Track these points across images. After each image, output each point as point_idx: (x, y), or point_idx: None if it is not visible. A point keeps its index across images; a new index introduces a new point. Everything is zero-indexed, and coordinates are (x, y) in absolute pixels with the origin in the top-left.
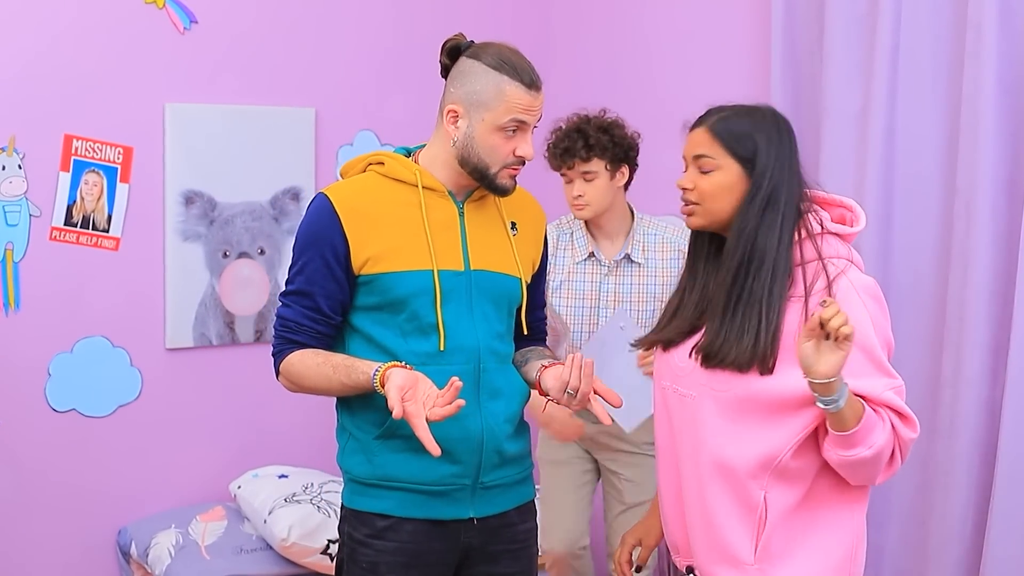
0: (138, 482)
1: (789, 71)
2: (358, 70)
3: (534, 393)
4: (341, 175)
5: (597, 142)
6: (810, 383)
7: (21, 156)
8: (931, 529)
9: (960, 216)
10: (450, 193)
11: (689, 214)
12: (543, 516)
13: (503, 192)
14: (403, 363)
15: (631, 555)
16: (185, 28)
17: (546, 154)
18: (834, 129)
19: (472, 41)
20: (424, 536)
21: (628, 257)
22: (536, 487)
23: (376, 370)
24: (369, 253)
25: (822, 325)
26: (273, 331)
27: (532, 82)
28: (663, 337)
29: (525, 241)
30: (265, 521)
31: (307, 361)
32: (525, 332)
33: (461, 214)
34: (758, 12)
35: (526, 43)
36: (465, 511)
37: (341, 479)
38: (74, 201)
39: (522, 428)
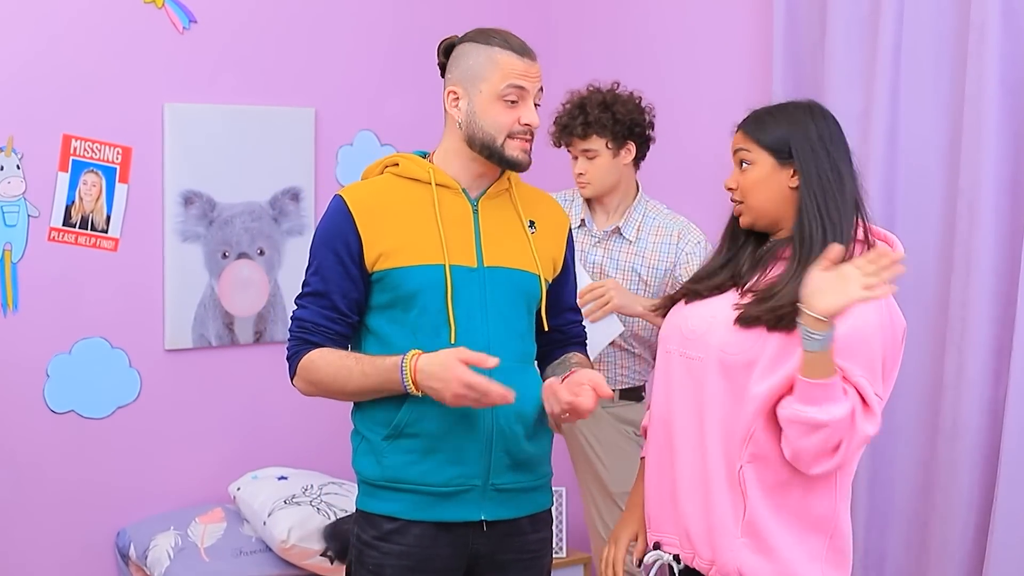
0: (137, 484)
1: (791, 71)
2: (358, 70)
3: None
4: (362, 179)
5: (596, 119)
6: (802, 313)
7: (19, 156)
8: (933, 530)
9: (963, 216)
10: (464, 191)
11: (738, 213)
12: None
13: (516, 165)
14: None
15: (626, 552)
16: (184, 28)
17: (551, 129)
18: None
19: (454, 36)
20: (431, 540)
21: (619, 231)
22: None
23: (403, 359)
24: (381, 249)
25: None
26: (288, 334)
27: (523, 50)
28: (687, 290)
29: (545, 240)
30: (264, 523)
31: (328, 357)
32: (546, 329)
33: (475, 211)
34: (760, 12)
35: (527, 41)
36: (475, 513)
37: (341, 481)
38: (73, 201)
39: (539, 432)
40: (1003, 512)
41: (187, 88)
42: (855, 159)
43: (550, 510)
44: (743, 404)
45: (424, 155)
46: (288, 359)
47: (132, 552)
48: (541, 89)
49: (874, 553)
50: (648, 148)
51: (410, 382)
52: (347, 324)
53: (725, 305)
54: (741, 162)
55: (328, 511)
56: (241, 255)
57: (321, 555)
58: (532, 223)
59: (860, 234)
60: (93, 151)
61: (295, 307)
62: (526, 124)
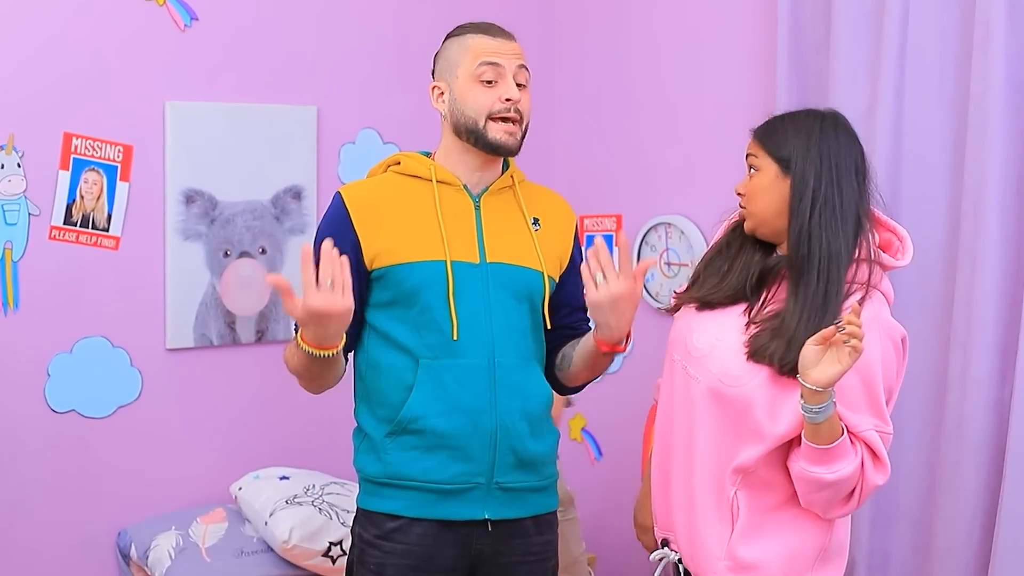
0: (138, 484)
1: (795, 69)
2: (361, 68)
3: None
4: (367, 177)
5: None
6: (801, 384)
7: (20, 154)
8: (938, 531)
9: (968, 215)
10: (466, 187)
11: (742, 219)
12: None
13: (499, 148)
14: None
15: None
16: (186, 25)
17: None
18: None
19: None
20: (433, 540)
21: None
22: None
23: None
24: (380, 247)
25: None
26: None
27: (497, 32)
28: (701, 296)
29: (549, 236)
30: (266, 523)
31: (292, 347)
32: (548, 327)
33: (477, 207)
34: (764, 9)
35: (530, 42)
36: (479, 511)
37: (344, 481)
38: (73, 200)
39: (544, 430)
40: (1008, 513)
41: (188, 86)
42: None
43: (555, 512)
44: (738, 436)
45: (428, 155)
46: None
47: (133, 552)
48: (524, 68)
49: (878, 554)
50: None
51: (305, 346)
52: None
53: (731, 328)
54: (751, 167)
55: (330, 511)
56: (243, 254)
57: (323, 555)
58: (536, 220)
59: (863, 253)
60: (94, 149)
61: None
62: (507, 100)
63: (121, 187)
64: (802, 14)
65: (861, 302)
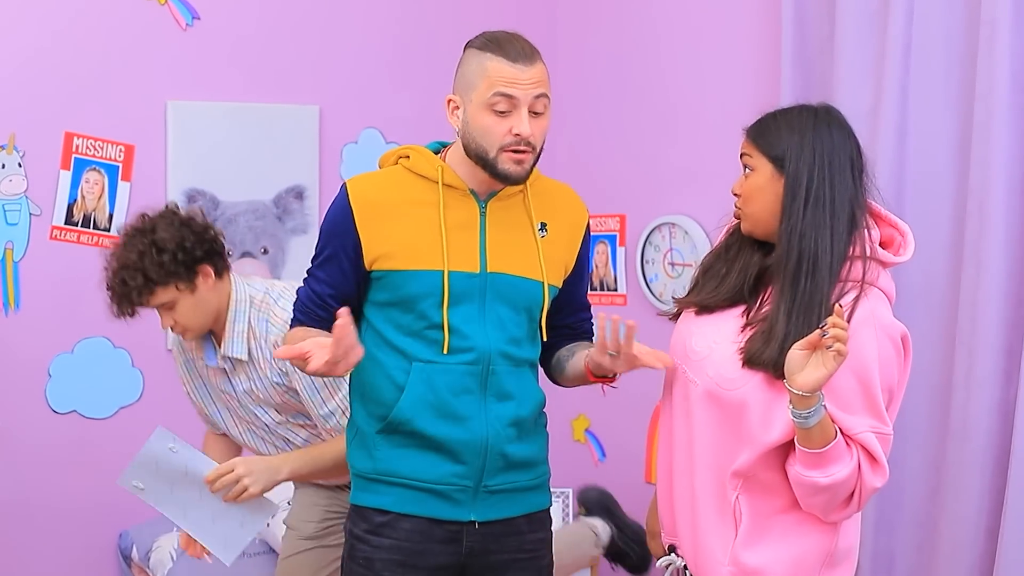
0: None
1: (799, 68)
2: (363, 67)
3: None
4: (379, 166)
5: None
6: (788, 390)
7: (21, 154)
8: (943, 533)
9: (973, 216)
10: (472, 192)
11: (737, 219)
12: None
13: (507, 179)
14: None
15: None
16: (187, 24)
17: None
18: None
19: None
20: (420, 536)
21: (231, 356)
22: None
23: None
24: (381, 250)
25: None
26: None
27: (517, 56)
28: (700, 300)
29: (556, 243)
30: (268, 524)
31: (294, 336)
32: (544, 339)
33: (483, 214)
34: (768, 8)
35: (531, 41)
36: (466, 514)
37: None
38: (75, 200)
39: (534, 433)
40: (1013, 514)
41: (190, 85)
42: (870, 170)
43: (548, 510)
44: (736, 440)
45: (439, 148)
46: None
47: (135, 554)
48: (543, 97)
49: (883, 555)
50: (219, 248)
51: None
52: (331, 312)
53: (729, 331)
54: (745, 167)
55: None
56: (245, 254)
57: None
58: (543, 225)
59: (858, 250)
60: (95, 149)
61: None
62: (516, 135)
63: (123, 187)
64: (806, 13)
65: (856, 301)
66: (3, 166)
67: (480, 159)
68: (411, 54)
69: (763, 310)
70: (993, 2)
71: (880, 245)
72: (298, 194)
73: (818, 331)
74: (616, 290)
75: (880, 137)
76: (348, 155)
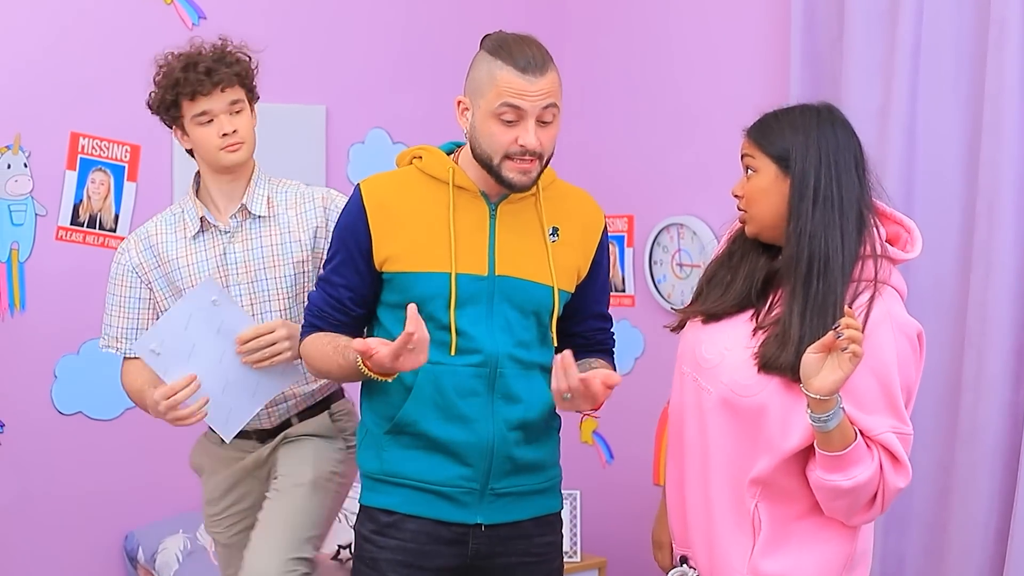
0: (145, 486)
1: (808, 68)
2: (369, 67)
3: None
4: (396, 165)
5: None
6: (805, 394)
7: (27, 154)
8: (952, 535)
9: (982, 216)
10: (483, 194)
11: (742, 222)
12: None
13: (512, 187)
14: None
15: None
16: (194, 24)
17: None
18: (854, 126)
19: (499, 31)
20: (426, 537)
21: (246, 210)
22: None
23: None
24: (391, 251)
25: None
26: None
27: (527, 66)
28: (706, 309)
29: (568, 248)
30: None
31: (317, 342)
32: (555, 343)
33: (493, 216)
34: (777, 8)
35: (541, 41)
36: (472, 516)
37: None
38: (80, 200)
39: (544, 436)
40: (1023, 516)
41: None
42: (872, 168)
43: (558, 514)
44: (753, 447)
45: (454, 149)
46: (300, 338)
47: (140, 555)
48: (552, 106)
49: (892, 557)
50: None
51: (368, 372)
52: (350, 316)
53: (740, 337)
54: (747, 168)
55: (340, 515)
56: None
57: (332, 559)
58: (555, 230)
59: (868, 249)
60: (101, 149)
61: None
62: (522, 146)
63: (128, 187)
64: (816, 13)
65: (871, 300)
66: (9, 166)
67: (485, 165)
68: (418, 54)
69: (773, 313)
70: (1003, 2)
71: (887, 242)
72: None
73: (832, 333)
74: (624, 291)
75: (889, 137)
76: (355, 155)
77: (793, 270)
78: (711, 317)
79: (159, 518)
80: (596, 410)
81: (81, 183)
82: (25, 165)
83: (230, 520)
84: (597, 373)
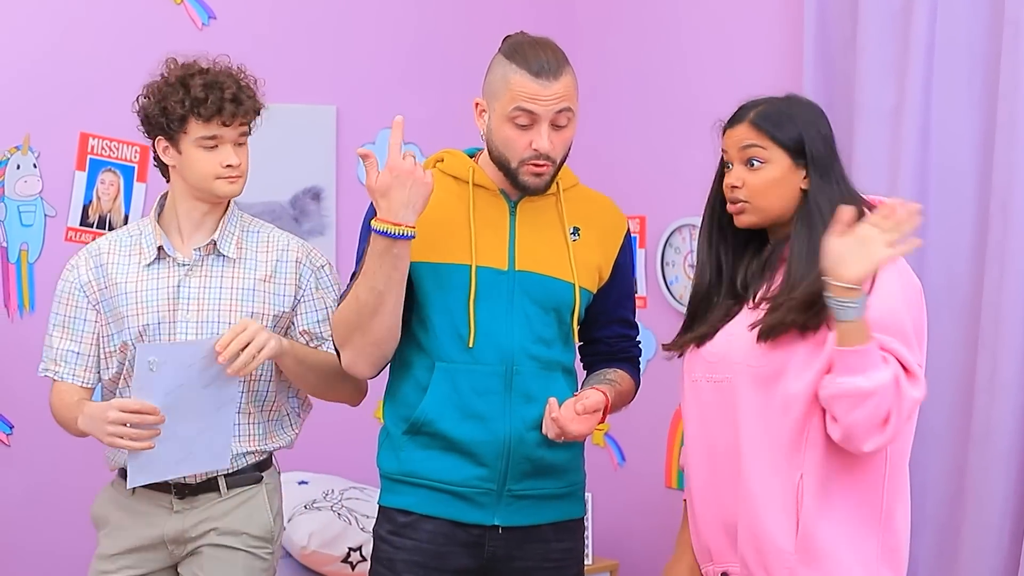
0: None
1: (822, 67)
2: (380, 67)
3: None
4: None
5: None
6: (830, 285)
7: (36, 155)
8: (965, 538)
9: (996, 216)
10: (503, 192)
11: (739, 212)
12: None
13: (527, 190)
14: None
15: None
16: (203, 24)
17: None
18: (867, 126)
19: (520, 32)
20: (443, 538)
21: (214, 246)
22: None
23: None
24: (413, 244)
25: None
26: None
27: (540, 70)
28: (698, 334)
29: (589, 247)
30: (284, 528)
31: (339, 312)
32: (577, 341)
33: (512, 213)
34: (790, 7)
35: (551, 39)
36: (489, 517)
37: (363, 486)
38: (90, 201)
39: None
40: None
41: None
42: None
43: (580, 520)
44: (784, 413)
45: (477, 152)
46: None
47: None
48: (566, 111)
49: None
50: None
51: (381, 225)
52: None
53: (742, 324)
54: (750, 159)
55: (349, 517)
56: None
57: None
58: (576, 230)
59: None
60: (111, 150)
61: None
62: (535, 150)
63: (138, 188)
64: (828, 13)
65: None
66: (18, 167)
67: (503, 168)
68: (429, 54)
69: (773, 287)
70: (1017, 1)
71: None
72: (315, 195)
73: (850, 208)
74: (636, 292)
75: (903, 137)
76: None
77: (796, 227)
78: (704, 338)
79: None
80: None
81: (91, 184)
82: (34, 166)
83: None
84: (567, 407)
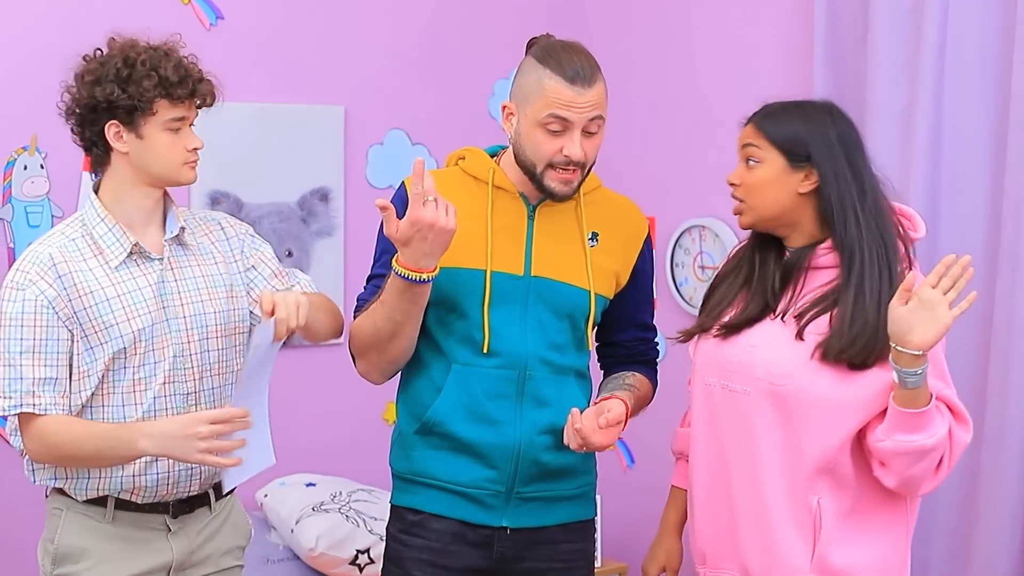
0: None
1: (832, 67)
2: (389, 67)
3: None
4: (444, 165)
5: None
6: (897, 352)
7: (43, 156)
8: (977, 542)
9: (1008, 218)
10: (523, 196)
11: (738, 212)
12: None
13: (553, 196)
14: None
15: None
16: (211, 24)
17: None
18: (878, 127)
19: (547, 35)
20: (451, 538)
21: (182, 235)
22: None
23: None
24: None
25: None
26: None
27: (576, 76)
28: (723, 325)
29: (607, 254)
30: (292, 531)
31: (360, 322)
32: (590, 346)
33: (531, 218)
34: (801, 7)
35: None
36: (497, 519)
37: (371, 488)
38: None
39: None
40: None
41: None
42: (875, 166)
43: (590, 521)
44: (807, 435)
45: (499, 151)
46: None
47: None
48: (598, 118)
49: (917, 565)
50: None
51: (401, 269)
52: None
53: (766, 334)
54: (748, 159)
55: (357, 519)
56: None
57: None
58: (595, 235)
59: (899, 232)
60: None
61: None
62: (566, 156)
63: None
64: (839, 13)
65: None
66: (25, 168)
67: (529, 172)
68: (437, 54)
69: (804, 299)
70: None
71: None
72: (323, 196)
73: (913, 275)
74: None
75: (915, 138)
76: (373, 156)
77: (845, 261)
78: (731, 330)
79: None
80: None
81: None
82: (42, 166)
83: None
84: (589, 417)
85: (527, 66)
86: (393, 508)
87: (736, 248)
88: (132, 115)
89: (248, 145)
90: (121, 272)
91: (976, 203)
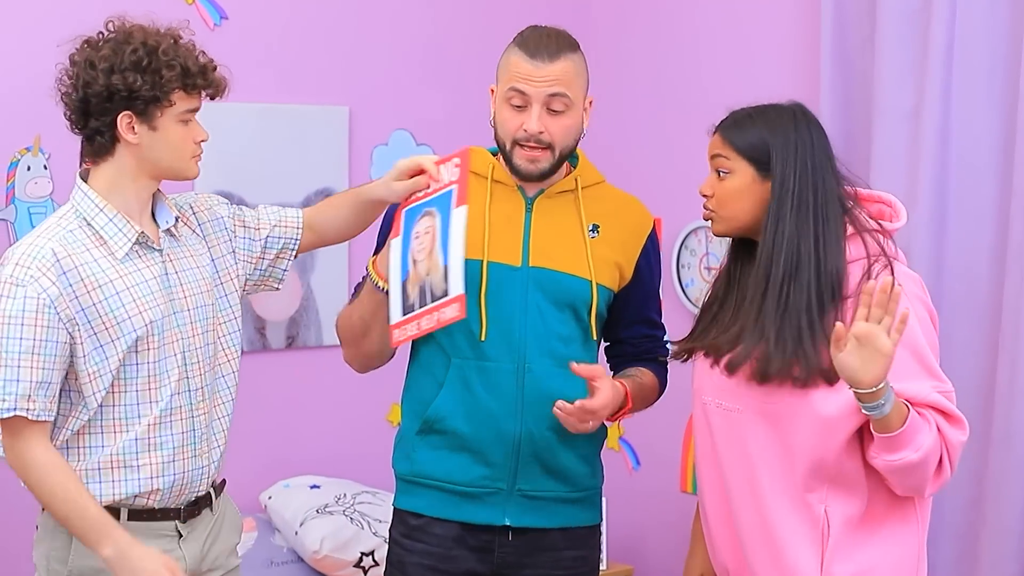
0: None
1: (839, 68)
2: (393, 67)
3: None
4: None
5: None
6: (856, 393)
7: (47, 156)
8: (985, 544)
9: (1017, 218)
10: (520, 188)
11: (710, 220)
12: None
13: (519, 175)
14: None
15: None
16: (215, 24)
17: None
18: (886, 128)
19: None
20: (453, 542)
21: (181, 223)
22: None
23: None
24: None
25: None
26: None
27: (537, 51)
28: (707, 344)
29: (608, 245)
30: (296, 533)
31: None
32: (602, 341)
33: (528, 210)
34: (807, 7)
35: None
36: (499, 517)
37: (375, 490)
38: None
39: (583, 442)
40: None
41: None
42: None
43: (595, 528)
44: (799, 446)
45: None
46: None
47: None
48: (561, 96)
49: None
50: None
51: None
52: None
53: None
54: (718, 170)
55: (361, 521)
56: None
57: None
58: (595, 227)
59: (859, 227)
60: None
61: None
62: (526, 131)
63: None
64: (846, 12)
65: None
66: (28, 168)
67: (501, 151)
68: (442, 55)
69: None
70: None
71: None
72: (327, 196)
73: (840, 326)
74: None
75: (922, 138)
76: (378, 157)
77: (765, 277)
78: (715, 351)
79: None
80: (616, 420)
81: None
82: (45, 167)
83: None
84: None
85: (506, 49)
86: (396, 511)
87: (720, 267)
88: (148, 105)
89: (252, 145)
90: (127, 264)
91: (984, 203)
